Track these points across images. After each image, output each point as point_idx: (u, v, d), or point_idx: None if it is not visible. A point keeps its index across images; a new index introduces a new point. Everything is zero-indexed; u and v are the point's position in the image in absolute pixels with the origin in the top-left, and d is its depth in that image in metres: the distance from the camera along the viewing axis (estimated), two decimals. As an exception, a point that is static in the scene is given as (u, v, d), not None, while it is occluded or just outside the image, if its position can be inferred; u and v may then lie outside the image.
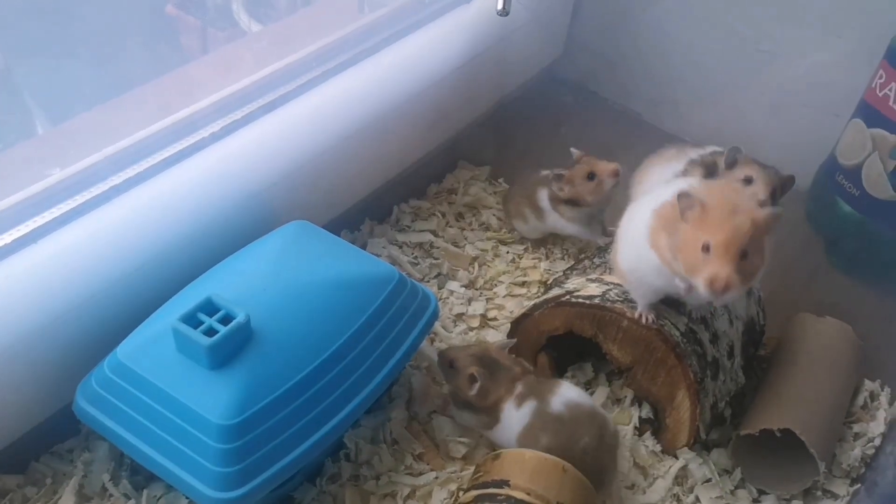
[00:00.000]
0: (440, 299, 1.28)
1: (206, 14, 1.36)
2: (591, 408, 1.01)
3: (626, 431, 1.12)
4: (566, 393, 1.01)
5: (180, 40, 1.37)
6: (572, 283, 1.16)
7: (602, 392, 1.16)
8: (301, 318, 0.96)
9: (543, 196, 1.34)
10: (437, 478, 1.04)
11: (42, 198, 0.99)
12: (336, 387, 0.95)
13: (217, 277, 1.01)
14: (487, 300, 1.30)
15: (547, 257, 1.41)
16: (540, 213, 1.35)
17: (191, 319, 0.89)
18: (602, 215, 1.35)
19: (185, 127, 1.12)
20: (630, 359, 1.09)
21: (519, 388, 1.02)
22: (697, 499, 1.07)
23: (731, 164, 1.10)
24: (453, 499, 1.02)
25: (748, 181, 1.08)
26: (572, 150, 1.31)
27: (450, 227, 1.42)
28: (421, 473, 1.05)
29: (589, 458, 0.97)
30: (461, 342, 1.22)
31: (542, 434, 0.98)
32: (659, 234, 0.91)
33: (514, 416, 1.01)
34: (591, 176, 1.27)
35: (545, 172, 1.34)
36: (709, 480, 1.08)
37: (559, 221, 1.34)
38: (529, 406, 1.01)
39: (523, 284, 1.34)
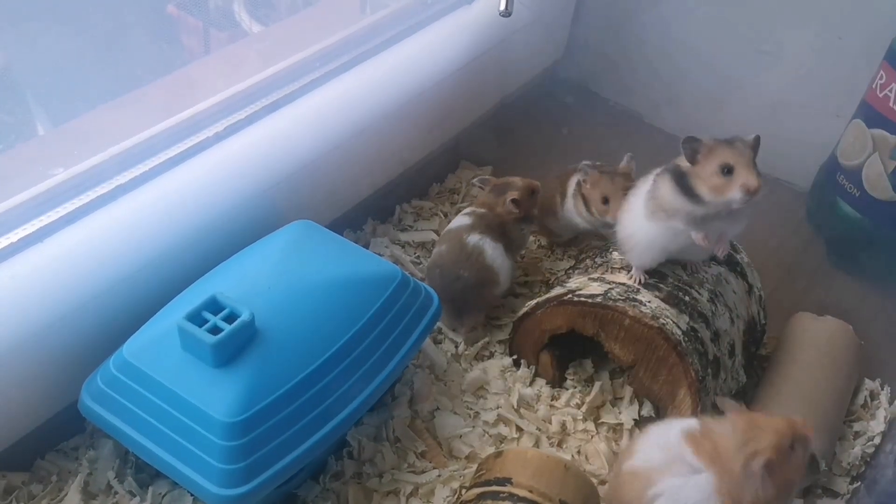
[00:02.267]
0: (442, 298, 1.29)
1: (207, 15, 1.36)
2: None
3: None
4: None
5: (181, 41, 1.37)
6: (574, 282, 1.17)
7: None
8: (305, 316, 0.97)
9: (573, 183, 1.31)
10: (439, 476, 1.05)
11: (47, 197, 0.99)
12: (339, 385, 0.96)
13: (221, 276, 1.01)
14: (489, 299, 1.31)
15: (548, 256, 1.41)
16: (563, 200, 1.33)
17: (196, 318, 0.89)
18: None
19: (188, 127, 1.13)
20: (632, 357, 1.09)
21: None
22: (698, 497, 1.07)
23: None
24: (456, 496, 1.02)
25: None
26: (585, 166, 1.27)
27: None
28: (424, 471, 1.06)
29: None
30: (464, 341, 1.23)
31: None
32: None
33: None
34: (606, 200, 1.24)
35: (585, 163, 1.27)
36: (710, 479, 1.09)
37: (571, 211, 1.32)
38: None
39: (525, 284, 1.35)
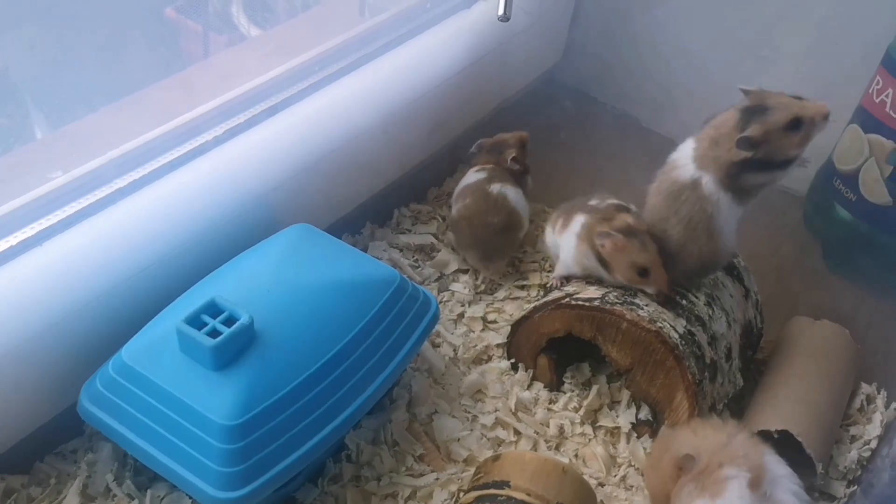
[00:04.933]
0: (441, 302, 1.29)
1: (205, 18, 1.36)
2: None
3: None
4: None
5: (180, 44, 1.37)
6: (572, 285, 1.17)
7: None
8: (303, 319, 0.97)
9: (580, 221, 1.15)
10: (437, 479, 1.05)
11: (46, 201, 0.99)
12: (338, 388, 0.96)
13: (220, 280, 1.01)
14: (487, 303, 1.31)
15: (546, 260, 1.42)
16: (564, 229, 1.19)
17: (195, 321, 0.90)
18: None
19: (187, 130, 1.13)
20: (629, 360, 1.10)
21: None
22: (696, 500, 1.08)
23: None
24: (454, 500, 1.03)
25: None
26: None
27: (450, 230, 1.43)
28: (422, 474, 1.06)
29: None
30: (462, 344, 1.23)
31: None
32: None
33: None
34: (644, 272, 1.08)
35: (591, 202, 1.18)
36: (707, 482, 1.09)
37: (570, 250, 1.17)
38: None
39: (523, 287, 1.35)
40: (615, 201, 1.16)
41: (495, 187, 1.31)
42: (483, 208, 1.30)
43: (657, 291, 1.08)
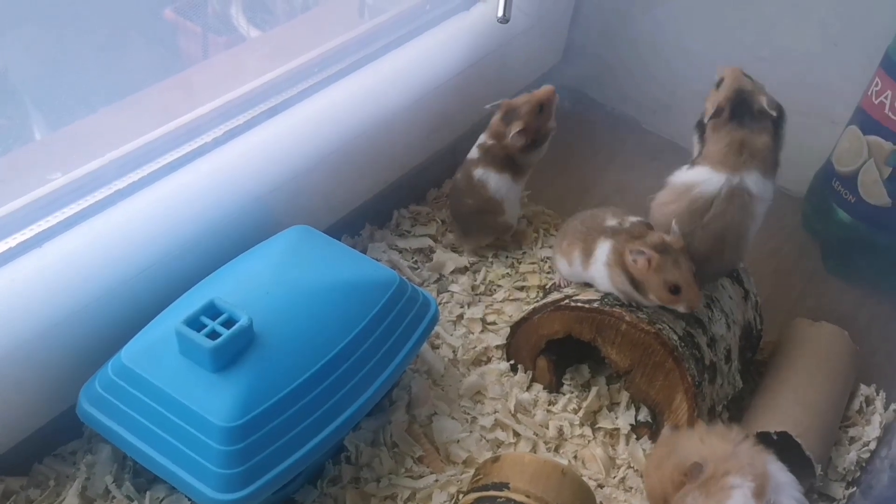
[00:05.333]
0: (440, 303, 1.29)
1: (205, 19, 1.36)
2: None
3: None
4: None
5: (179, 45, 1.37)
6: (571, 287, 1.17)
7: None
8: (303, 321, 0.97)
9: (605, 248, 1.10)
10: (437, 481, 1.05)
11: (45, 202, 0.99)
12: (337, 390, 0.96)
13: (220, 281, 1.01)
14: (487, 305, 1.31)
15: (545, 262, 1.42)
16: (588, 260, 1.12)
17: (194, 323, 0.90)
18: None
19: (187, 132, 1.13)
20: (628, 362, 1.10)
21: None
22: (695, 502, 1.08)
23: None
24: (453, 501, 1.03)
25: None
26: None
27: (450, 232, 1.43)
28: (421, 476, 1.06)
29: None
30: (462, 345, 1.23)
31: None
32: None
33: None
34: (676, 289, 1.03)
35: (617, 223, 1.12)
36: (706, 484, 1.09)
37: (604, 280, 1.11)
38: None
39: (522, 289, 1.35)
40: (637, 218, 1.12)
41: (478, 173, 1.33)
42: (464, 188, 1.35)
43: (688, 309, 1.05)
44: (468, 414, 1.14)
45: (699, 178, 1.07)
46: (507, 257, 1.40)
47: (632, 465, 1.11)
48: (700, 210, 1.06)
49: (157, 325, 0.96)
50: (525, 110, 1.29)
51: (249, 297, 0.96)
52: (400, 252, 1.38)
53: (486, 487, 0.93)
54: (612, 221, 1.12)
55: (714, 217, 1.05)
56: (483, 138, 1.35)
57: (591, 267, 1.12)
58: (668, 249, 1.03)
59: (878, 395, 1.24)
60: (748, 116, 1.08)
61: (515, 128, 1.28)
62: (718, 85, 1.12)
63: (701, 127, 1.12)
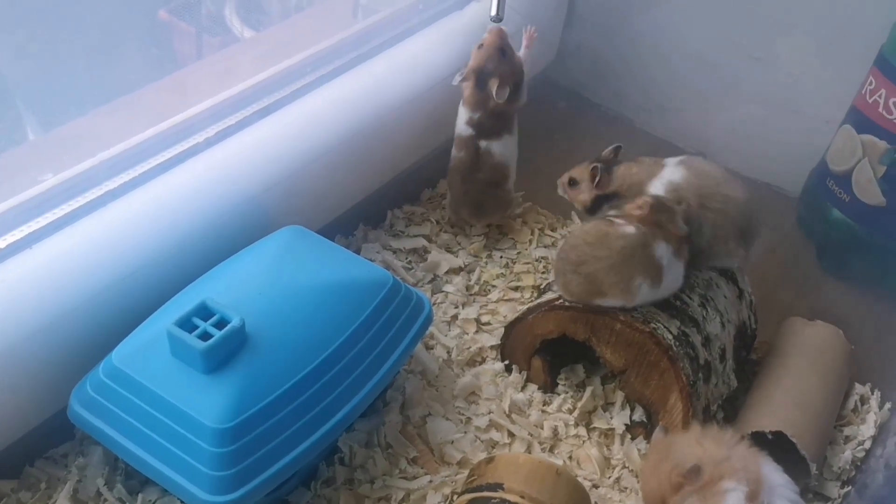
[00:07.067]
0: (434, 304, 1.29)
1: (198, 20, 1.36)
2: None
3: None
4: None
5: (173, 46, 1.37)
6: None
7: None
8: (295, 322, 0.97)
9: (663, 249, 1.06)
10: (431, 482, 1.04)
11: (37, 202, 0.99)
12: (331, 391, 0.95)
13: (212, 282, 1.01)
14: (481, 305, 1.31)
15: (539, 262, 1.41)
16: (658, 275, 1.06)
17: (186, 324, 0.89)
18: None
19: (179, 132, 1.12)
20: (623, 362, 1.10)
21: None
22: (690, 502, 1.07)
23: None
24: (447, 502, 1.02)
25: None
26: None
27: (444, 232, 1.43)
28: (415, 477, 1.05)
29: None
30: (456, 346, 1.23)
31: None
32: None
33: None
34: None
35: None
36: (701, 483, 1.09)
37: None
38: None
39: (517, 289, 1.35)
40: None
41: (483, 144, 1.34)
42: (470, 164, 1.36)
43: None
44: (462, 414, 1.14)
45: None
46: (501, 257, 1.40)
47: (627, 466, 1.11)
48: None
49: (149, 327, 0.96)
50: (491, 65, 1.29)
51: (242, 297, 0.96)
52: (394, 252, 1.38)
53: (480, 488, 0.93)
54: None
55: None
56: (467, 115, 1.34)
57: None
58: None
59: (873, 394, 1.24)
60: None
61: (495, 84, 1.28)
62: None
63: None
